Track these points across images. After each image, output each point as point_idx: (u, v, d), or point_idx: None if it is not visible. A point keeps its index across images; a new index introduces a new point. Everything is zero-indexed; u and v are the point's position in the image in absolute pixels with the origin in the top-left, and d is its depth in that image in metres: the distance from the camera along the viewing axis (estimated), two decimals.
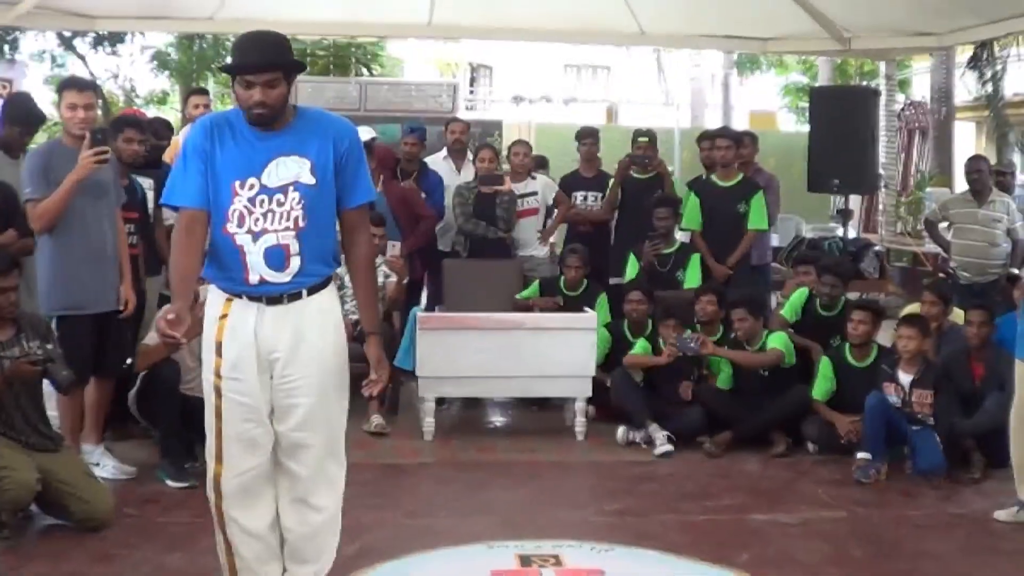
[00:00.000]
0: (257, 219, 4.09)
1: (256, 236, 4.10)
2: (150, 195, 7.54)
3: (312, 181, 4.12)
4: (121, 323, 6.68)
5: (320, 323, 4.25)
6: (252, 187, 4.10)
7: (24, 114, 7.10)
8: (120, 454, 6.79)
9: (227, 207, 4.11)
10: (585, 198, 9.74)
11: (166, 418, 6.59)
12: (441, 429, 7.80)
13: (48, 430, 5.85)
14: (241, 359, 4.18)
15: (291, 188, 4.10)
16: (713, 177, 9.20)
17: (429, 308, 8.77)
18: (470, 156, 9.84)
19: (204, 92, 10.13)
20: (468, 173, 9.61)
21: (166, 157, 8.14)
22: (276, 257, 4.12)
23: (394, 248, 8.53)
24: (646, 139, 9.60)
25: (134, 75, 22.59)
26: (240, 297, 4.19)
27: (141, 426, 7.13)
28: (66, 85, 6.52)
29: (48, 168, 6.24)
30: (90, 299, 6.37)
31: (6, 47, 16.33)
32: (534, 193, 9.42)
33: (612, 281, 9.18)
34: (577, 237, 9.59)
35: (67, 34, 18.87)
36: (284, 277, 4.14)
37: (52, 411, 6.23)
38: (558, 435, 7.90)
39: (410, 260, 8.99)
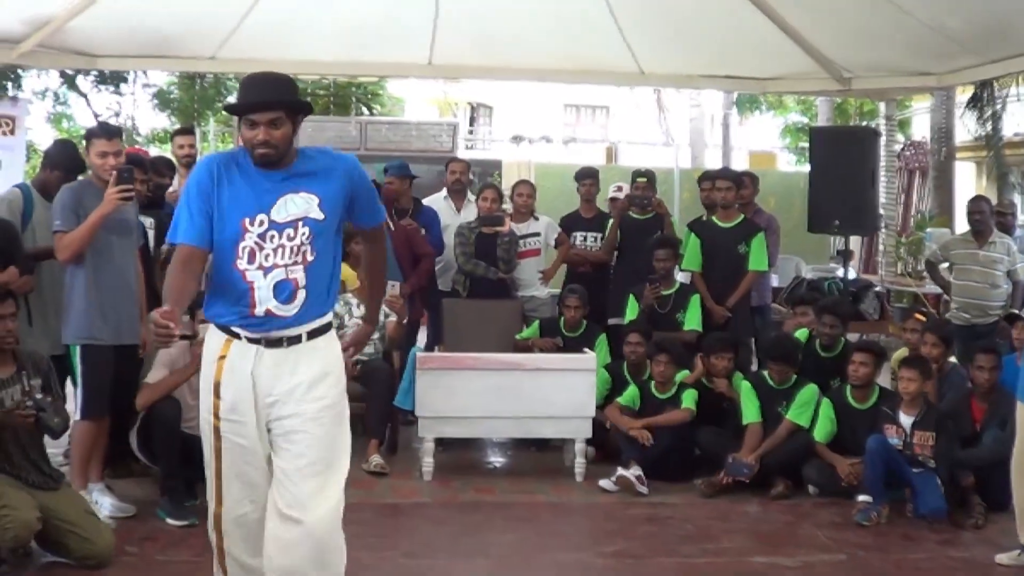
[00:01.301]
0: (268, 254, 4.18)
1: (267, 271, 4.18)
2: (151, 234, 7.64)
3: (321, 216, 4.22)
4: (135, 359, 6.83)
5: (318, 365, 4.29)
6: (262, 223, 4.18)
7: (67, 160, 7.32)
8: (120, 492, 6.81)
9: (237, 243, 4.18)
10: (585, 238, 9.80)
11: (166, 456, 6.62)
12: (440, 469, 7.81)
13: (48, 468, 5.87)
14: (239, 401, 4.23)
15: (301, 223, 4.20)
16: (714, 218, 9.23)
17: (429, 348, 8.80)
18: (470, 196, 9.89)
19: (189, 132, 10.31)
20: (469, 213, 9.66)
21: (167, 196, 8.24)
22: (285, 290, 4.19)
23: (393, 288, 8.54)
24: (644, 179, 9.67)
25: (136, 113, 22.70)
26: (239, 339, 4.24)
27: (141, 463, 7.15)
28: (95, 133, 6.71)
29: (78, 204, 6.47)
30: (113, 331, 6.54)
31: (9, 85, 16.40)
32: (536, 234, 9.49)
33: (611, 321, 9.23)
34: (577, 277, 9.64)
35: (70, 72, 18.98)
36: (291, 310, 4.21)
37: (52, 448, 6.28)
38: (557, 476, 7.91)
39: (410, 299, 9.02)
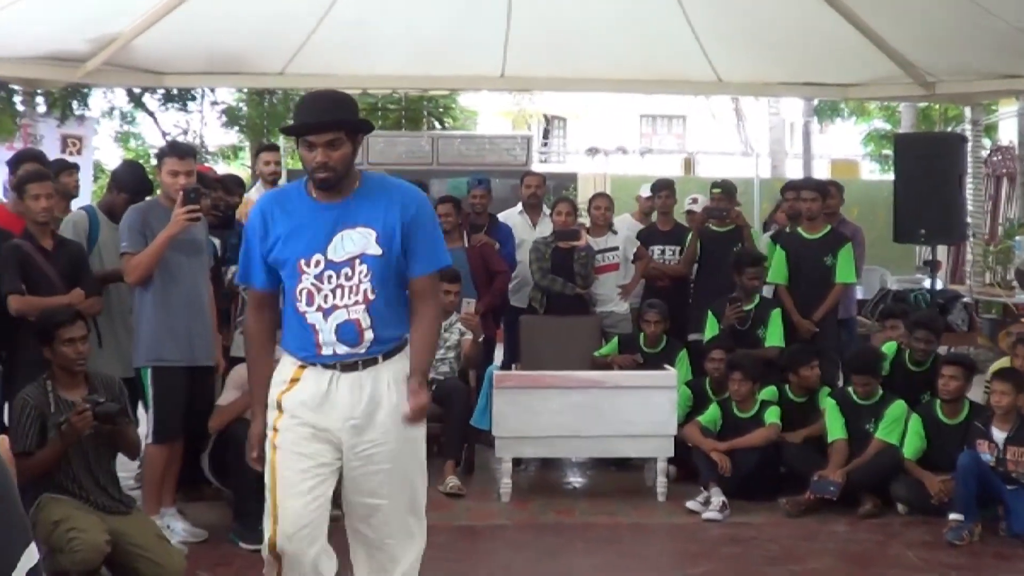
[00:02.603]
0: (326, 296, 4.11)
1: (327, 313, 4.11)
2: (219, 253, 7.69)
3: (379, 252, 4.12)
4: (210, 381, 6.87)
5: (397, 387, 4.18)
6: (318, 264, 4.11)
7: (134, 182, 7.35)
8: (192, 516, 6.86)
9: (295, 286, 4.14)
10: (663, 252, 9.75)
11: (239, 478, 6.62)
12: (518, 490, 7.80)
13: (118, 493, 5.90)
14: (303, 405, 4.15)
15: (358, 261, 4.11)
16: (799, 229, 9.14)
17: (505, 366, 8.78)
18: (546, 210, 9.89)
19: (275, 148, 10.25)
20: (544, 228, 9.66)
21: (238, 214, 8.28)
22: (349, 332, 4.12)
23: (469, 305, 8.56)
24: (719, 190, 9.61)
25: (204, 131, 22.92)
26: (314, 365, 4.18)
27: (213, 487, 7.20)
28: (167, 152, 6.74)
29: (145, 224, 6.49)
30: (186, 352, 6.54)
31: (75, 104, 16.63)
32: (614, 248, 9.44)
33: (692, 337, 9.17)
34: (655, 292, 9.58)
35: (136, 91, 19.21)
36: (359, 349, 4.14)
37: (123, 472, 6.33)
38: (639, 496, 7.87)
39: (483, 316, 9.03)
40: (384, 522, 4.25)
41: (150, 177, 7.73)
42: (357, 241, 4.11)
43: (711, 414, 8.03)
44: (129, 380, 6.53)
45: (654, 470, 7.83)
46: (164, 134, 21.04)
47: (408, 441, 4.24)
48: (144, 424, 6.60)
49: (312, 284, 4.11)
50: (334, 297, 4.11)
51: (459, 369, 8.48)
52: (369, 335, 4.12)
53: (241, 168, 22.10)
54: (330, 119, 4.08)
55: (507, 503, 7.65)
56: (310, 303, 4.12)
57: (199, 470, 7.08)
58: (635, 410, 7.61)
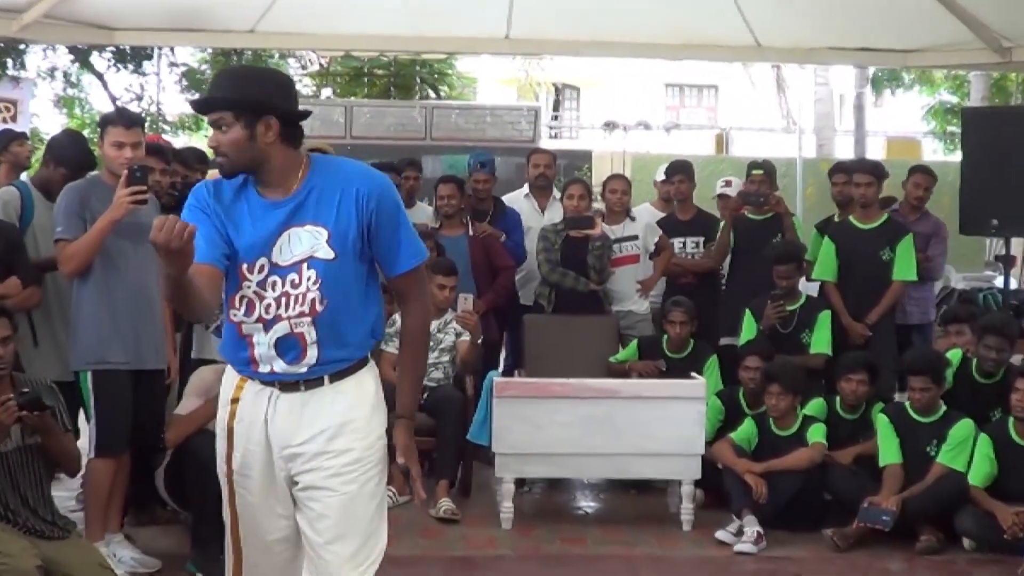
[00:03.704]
0: (269, 305, 4.02)
1: (268, 325, 4.03)
2: None
3: (330, 255, 4.01)
4: (159, 387, 6.84)
5: (348, 408, 4.13)
6: (262, 268, 4.02)
7: (76, 155, 7.26)
8: (143, 543, 6.86)
9: (234, 293, 4.07)
10: (683, 245, 9.74)
11: (199, 499, 6.59)
12: (521, 515, 7.81)
13: (52, 515, 5.89)
14: (249, 454, 4.15)
15: (305, 265, 4.01)
16: (851, 219, 9.13)
17: (508, 372, 8.80)
18: (556, 194, 9.89)
19: None
20: (554, 213, 9.66)
21: None
22: (290, 348, 4.04)
23: (466, 302, 8.54)
24: (760, 172, 9.60)
25: (162, 97, 22.91)
26: (252, 379, 4.15)
27: (169, 509, 7.21)
28: (111, 120, 6.66)
29: (84, 206, 6.42)
30: (131, 353, 6.50)
31: (9, 63, 16.59)
32: (633, 237, 9.44)
33: (723, 341, 9.18)
34: (678, 291, 9.56)
35: (82, 48, 19.19)
36: (300, 368, 4.06)
37: (63, 492, 6.34)
38: (660, 524, 7.88)
39: (483, 316, 9.03)
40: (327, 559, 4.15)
41: (92, 149, 7.68)
42: (305, 241, 4.01)
43: (745, 430, 8.04)
44: (68, 385, 6.49)
45: (678, 494, 7.83)
46: (114, 100, 21.02)
47: (362, 470, 4.15)
48: (85, 436, 6.57)
49: (254, 292, 4.03)
50: (277, 307, 4.02)
51: (454, 375, 8.49)
52: (313, 353, 4.04)
53: (203, 140, 22.10)
54: (214, 95, 4.01)
55: (508, 530, 7.66)
56: (249, 313, 4.04)
57: (152, 489, 7.07)
58: (657, 424, 7.61)
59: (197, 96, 3.92)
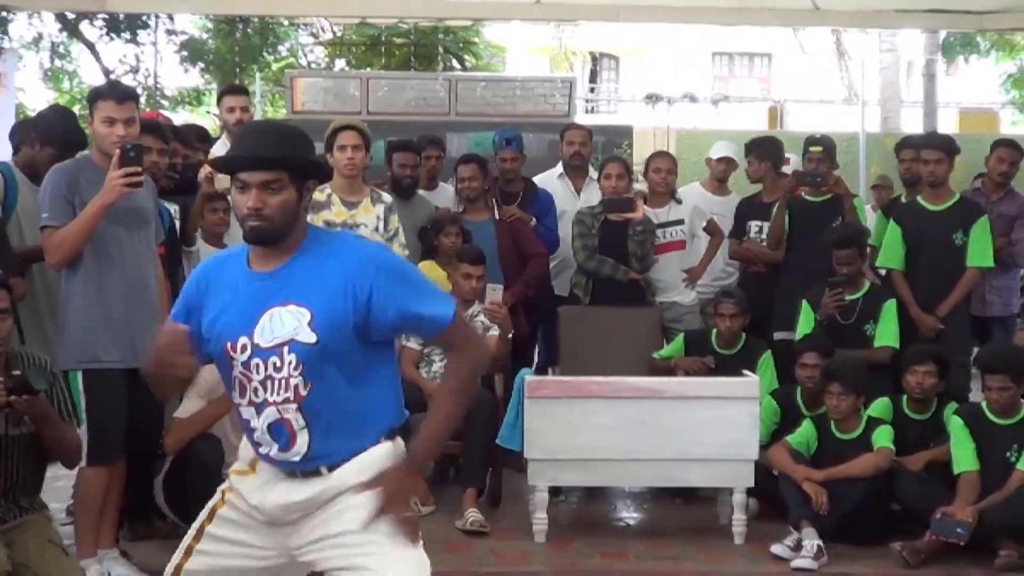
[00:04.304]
0: (256, 388, 4.08)
1: (259, 408, 4.10)
2: (179, 224, 7.68)
3: (312, 339, 4.01)
4: None
5: (347, 493, 4.08)
6: (244, 349, 4.07)
7: (64, 133, 7.29)
8: (140, 559, 6.88)
9: (228, 373, 4.15)
10: (760, 229, 9.69)
11: (201, 510, 6.67)
12: (556, 527, 7.83)
13: (25, 500, 5.94)
14: (242, 522, 4.25)
15: (286, 349, 4.03)
16: (919, 199, 9.09)
17: (541, 370, 8.80)
18: (593, 174, 9.89)
19: (242, 91, 9.83)
20: (591, 195, 9.67)
21: (201, 175, 8.20)
22: (280, 435, 4.10)
23: (495, 293, 8.53)
24: (819, 148, 9.55)
25: (159, 69, 22.93)
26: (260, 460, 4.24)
27: (168, 522, 7.23)
28: (102, 94, 6.63)
29: (72, 190, 6.40)
30: (126, 350, 6.47)
31: None
32: (679, 221, 9.45)
33: (778, 335, 9.16)
34: (748, 280, 9.57)
35: (71, 17, 19.21)
36: (294, 456, 4.11)
37: (53, 503, 6.36)
38: (709, 537, 7.88)
39: (512, 309, 9.02)
40: None
41: (83, 127, 7.69)
42: (287, 323, 4.03)
43: (803, 433, 8.02)
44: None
45: (729, 504, 7.82)
46: (107, 72, 21.04)
47: (373, 547, 4.06)
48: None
49: (240, 373, 4.10)
50: (264, 391, 4.07)
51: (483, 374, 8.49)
52: (302, 440, 4.08)
53: (206, 117, 22.17)
54: (269, 155, 4.01)
55: (542, 543, 7.67)
56: (241, 395, 4.13)
57: (150, 500, 7.12)
58: (705, 427, 7.61)
59: (239, 152, 3.86)
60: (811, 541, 7.38)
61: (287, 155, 4.01)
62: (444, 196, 9.80)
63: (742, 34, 31.99)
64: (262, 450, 4.13)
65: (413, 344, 8.22)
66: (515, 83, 16.48)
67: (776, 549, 7.48)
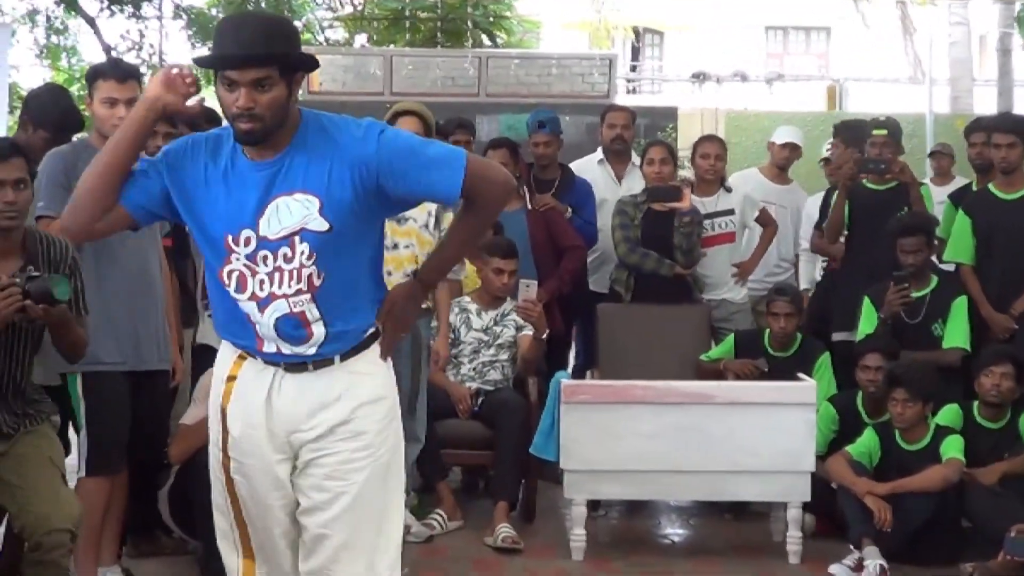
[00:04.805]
0: (262, 281, 4.21)
1: (263, 304, 4.22)
2: None
3: (324, 227, 4.18)
4: (162, 391, 6.85)
5: (360, 390, 4.35)
6: (248, 241, 4.20)
7: (57, 115, 7.26)
8: None
9: (221, 266, 4.25)
10: None
11: (210, 526, 6.65)
12: (595, 544, 7.83)
13: (22, 407, 5.85)
14: (247, 438, 4.36)
15: (297, 239, 4.19)
16: (991, 187, 9.05)
17: (578, 373, 8.80)
18: (635, 159, 9.88)
19: None
20: (633, 183, 9.67)
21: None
22: (292, 328, 4.24)
23: (528, 289, 8.53)
24: (882, 132, 9.50)
25: (164, 45, 22.97)
26: (254, 357, 4.36)
27: (174, 536, 7.26)
28: (102, 72, 6.63)
29: (70, 177, 6.31)
30: (128, 352, 6.50)
31: None
32: (729, 212, 9.44)
33: (837, 336, 9.14)
34: (830, 277, 9.56)
35: None
36: (308, 349, 4.28)
37: None
38: (762, 555, 7.88)
39: (547, 306, 9.00)
40: (332, 558, 4.38)
41: (80, 108, 7.68)
42: (295, 212, 4.17)
43: (865, 443, 8.00)
44: (55, 390, 6.44)
45: (783, 520, 7.80)
46: (108, 49, 21.10)
47: (374, 459, 4.37)
48: (75, 449, 6.58)
49: (244, 266, 4.22)
50: (271, 284, 4.21)
51: (514, 376, 8.50)
52: (319, 330, 4.26)
53: (215, 98, 22.21)
54: (258, 51, 4.09)
55: (580, 561, 7.66)
56: (241, 289, 4.24)
57: (154, 513, 7.15)
58: (758, 436, 7.60)
59: (226, 49, 3.92)
60: (873, 561, 7.36)
61: (278, 51, 4.11)
62: None
63: (798, 6, 32.05)
64: (267, 347, 4.27)
65: (440, 347, 8.24)
66: (551, 61, 16.52)
67: (835, 569, 7.47)
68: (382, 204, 4.24)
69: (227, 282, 4.23)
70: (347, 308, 4.28)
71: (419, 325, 7.67)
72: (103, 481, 6.50)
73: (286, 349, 4.25)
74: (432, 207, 7.65)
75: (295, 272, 4.18)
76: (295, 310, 4.20)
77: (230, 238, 4.19)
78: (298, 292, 4.19)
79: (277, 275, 4.19)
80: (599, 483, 7.77)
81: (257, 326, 4.24)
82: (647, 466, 7.63)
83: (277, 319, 4.21)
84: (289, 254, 4.17)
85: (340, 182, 4.15)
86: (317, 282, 4.19)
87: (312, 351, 4.26)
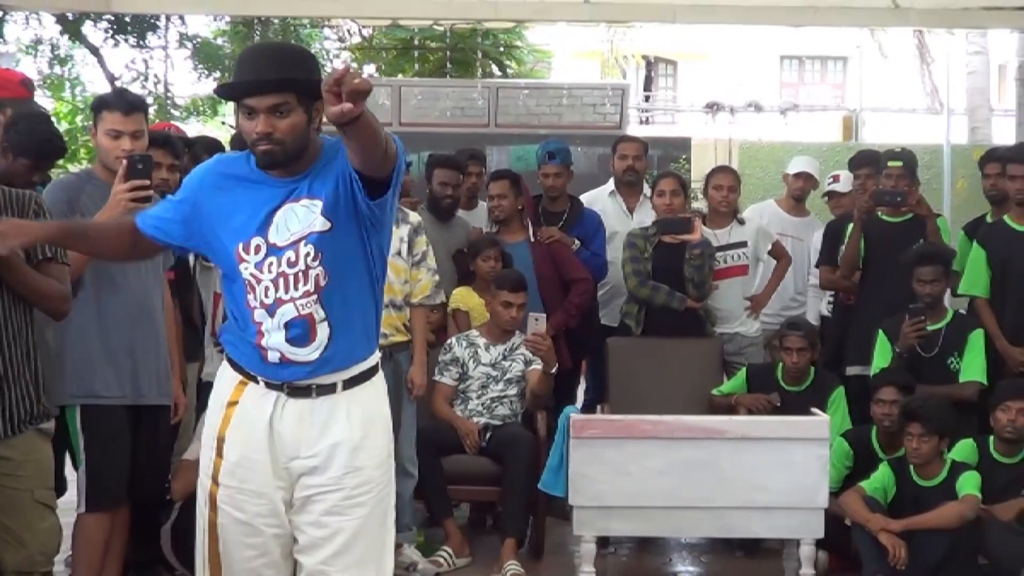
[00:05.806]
0: (267, 288, 4.37)
1: (271, 309, 4.37)
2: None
3: (327, 226, 4.37)
4: (163, 426, 6.82)
5: (362, 421, 4.46)
6: (258, 249, 4.37)
7: (35, 143, 7.19)
8: None
9: (237, 276, 4.42)
10: None
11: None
12: None
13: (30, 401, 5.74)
14: (246, 459, 4.42)
15: (302, 243, 4.37)
16: (1007, 219, 9.05)
17: (588, 408, 8.80)
18: (647, 191, 9.88)
19: None
20: (645, 215, 9.68)
21: None
22: (298, 330, 4.37)
23: (538, 323, 8.51)
24: (898, 163, 9.50)
25: (169, 76, 23.01)
26: (256, 381, 4.44)
27: (177, 573, 7.26)
28: (107, 103, 6.62)
29: (73, 207, 6.39)
30: (127, 385, 6.48)
31: None
32: (742, 244, 9.45)
33: (851, 371, 9.14)
34: (843, 311, 9.61)
35: (72, 18, 19.31)
36: (311, 354, 4.39)
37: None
38: None
39: (554, 339, 8.95)
40: None
41: (59, 131, 7.62)
42: (302, 216, 4.35)
43: (879, 479, 7.99)
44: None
45: (796, 557, 7.80)
46: (112, 79, 21.13)
47: (375, 491, 4.49)
48: (74, 485, 6.57)
49: (251, 274, 4.38)
50: (277, 290, 4.36)
51: (523, 411, 8.50)
52: (324, 332, 4.38)
53: (221, 128, 22.28)
54: (275, 77, 4.22)
55: None
56: (252, 297, 4.40)
57: (156, 551, 7.15)
58: (770, 471, 7.59)
59: (243, 77, 4.01)
60: None
61: (293, 77, 4.24)
62: (483, 216, 9.80)
63: (813, 36, 31.97)
64: (271, 356, 4.39)
65: (447, 380, 8.25)
66: (562, 91, 16.52)
67: None
68: (360, 211, 4.35)
69: (245, 291, 4.39)
70: (350, 318, 4.41)
71: (400, 358, 7.73)
72: (103, 517, 6.49)
73: (290, 354, 4.35)
74: (404, 233, 7.70)
75: (301, 275, 4.35)
76: (303, 312, 4.36)
77: (240, 248, 4.35)
78: (305, 294, 4.35)
79: (281, 280, 4.35)
80: (608, 519, 7.76)
81: (266, 334, 4.36)
82: (657, 502, 7.63)
83: (286, 323, 4.35)
84: (293, 258, 4.34)
85: (336, 185, 4.33)
86: (323, 283, 4.36)
87: (316, 355, 4.37)
